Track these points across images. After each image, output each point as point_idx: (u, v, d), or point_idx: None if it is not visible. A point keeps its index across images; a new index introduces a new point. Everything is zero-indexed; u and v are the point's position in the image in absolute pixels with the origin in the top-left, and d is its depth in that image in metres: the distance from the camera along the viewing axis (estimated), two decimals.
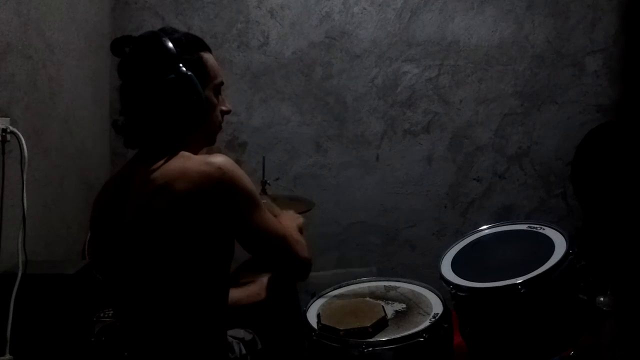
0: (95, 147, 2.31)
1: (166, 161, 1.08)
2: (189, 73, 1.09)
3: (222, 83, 1.21)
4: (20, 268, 1.58)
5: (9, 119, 1.68)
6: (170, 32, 1.14)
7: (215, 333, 1.17)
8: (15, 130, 1.68)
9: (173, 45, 1.11)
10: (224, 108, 1.24)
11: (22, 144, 1.68)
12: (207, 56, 1.17)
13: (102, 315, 1.82)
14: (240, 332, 1.38)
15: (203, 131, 1.18)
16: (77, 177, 2.13)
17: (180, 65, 1.09)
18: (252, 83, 2.56)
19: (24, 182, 1.67)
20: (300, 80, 2.56)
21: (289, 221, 1.33)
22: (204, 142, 1.23)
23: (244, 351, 1.32)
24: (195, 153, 1.17)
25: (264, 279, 1.42)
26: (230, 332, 1.33)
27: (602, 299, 1.70)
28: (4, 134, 1.64)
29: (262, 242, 1.13)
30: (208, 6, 2.53)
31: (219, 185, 1.04)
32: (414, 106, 2.55)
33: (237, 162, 2.69)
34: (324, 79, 2.56)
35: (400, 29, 2.53)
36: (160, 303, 1.10)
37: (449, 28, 2.52)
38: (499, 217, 2.52)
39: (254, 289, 1.39)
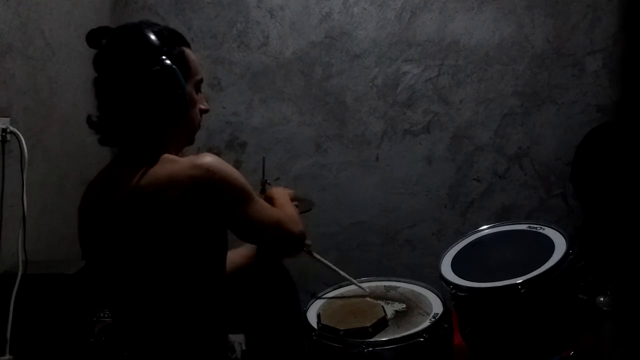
0: (95, 147, 2.30)
1: (152, 166, 1.05)
2: (173, 66, 1.06)
3: (202, 80, 1.19)
4: (20, 268, 1.57)
5: (9, 119, 1.68)
6: (150, 25, 1.11)
7: (214, 332, 1.17)
8: (15, 130, 1.67)
9: (155, 37, 1.08)
10: (202, 107, 1.20)
11: (22, 144, 1.68)
12: (188, 51, 1.15)
13: (102, 315, 1.82)
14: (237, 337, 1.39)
15: (182, 129, 1.16)
16: (77, 177, 2.13)
17: (164, 57, 1.06)
18: (252, 83, 2.56)
19: (24, 182, 1.67)
20: (300, 80, 2.56)
21: (278, 191, 1.34)
22: (183, 141, 1.19)
23: (244, 347, 1.32)
24: (176, 153, 1.15)
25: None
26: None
27: (602, 299, 1.70)
28: (4, 134, 1.63)
29: (259, 232, 1.13)
30: (208, 6, 2.53)
31: (210, 187, 1.03)
32: (414, 106, 2.55)
33: (237, 162, 2.71)
34: (324, 79, 2.56)
35: (400, 29, 2.53)
36: (158, 304, 1.09)
37: (449, 28, 2.52)
38: (499, 217, 2.53)
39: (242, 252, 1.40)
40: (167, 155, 1.09)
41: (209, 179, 1.03)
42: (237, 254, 1.38)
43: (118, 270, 1.10)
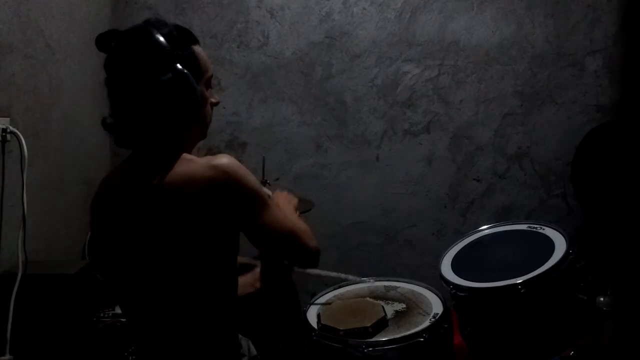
0: (95, 147, 2.31)
1: (171, 165, 1.06)
2: (186, 71, 1.06)
3: (212, 76, 1.19)
4: (20, 268, 1.58)
5: (9, 119, 1.68)
6: (158, 26, 1.09)
7: (225, 330, 1.17)
8: (15, 130, 1.68)
9: (165, 40, 1.07)
10: (213, 100, 1.21)
11: (22, 144, 1.68)
12: (198, 49, 1.14)
13: (102, 315, 1.82)
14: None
15: (197, 126, 1.17)
16: (77, 177, 2.13)
17: (176, 63, 1.06)
18: (252, 83, 2.56)
19: (24, 182, 1.67)
20: (300, 80, 2.56)
21: (285, 203, 1.34)
22: (197, 137, 1.21)
23: (253, 350, 1.32)
24: (191, 148, 1.17)
25: (258, 269, 1.42)
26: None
27: (602, 299, 1.70)
28: (4, 134, 1.64)
29: (272, 239, 1.13)
30: (208, 6, 2.54)
31: (226, 189, 1.04)
32: (414, 106, 2.55)
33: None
34: (324, 79, 2.56)
35: (400, 29, 2.53)
36: (169, 302, 1.10)
37: (449, 28, 2.52)
38: (499, 217, 2.52)
39: (248, 280, 1.39)
40: (185, 155, 1.09)
41: (224, 180, 1.04)
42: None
43: (132, 267, 1.11)
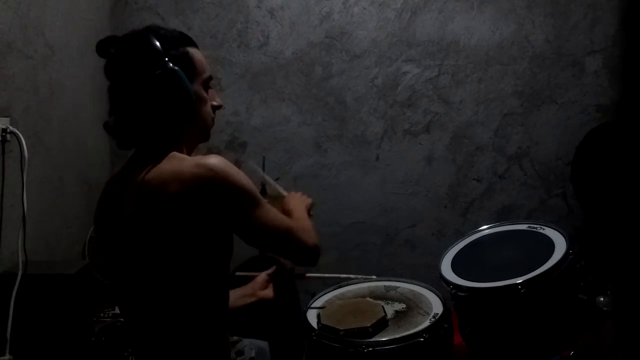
0: (95, 147, 2.31)
1: (160, 162, 1.07)
2: (176, 68, 1.08)
3: (210, 77, 1.21)
4: (20, 268, 1.58)
5: (9, 119, 1.68)
6: (155, 30, 1.13)
7: (215, 332, 1.17)
8: (15, 130, 1.68)
9: (158, 41, 1.10)
10: (214, 103, 1.23)
11: (22, 144, 1.69)
12: (193, 51, 1.16)
13: (102, 315, 1.82)
14: (258, 343, 1.39)
15: (195, 127, 1.17)
16: (77, 177, 2.13)
17: (166, 60, 1.08)
18: (252, 83, 2.56)
19: (24, 182, 1.68)
20: (300, 80, 2.56)
21: (296, 203, 1.34)
22: (197, 138, 1.22)
23: (253, 354, 1.32)
24: (191, 150, 1.18)
25: (259, 279, 1.43)
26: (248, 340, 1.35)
27: (602, 299, 1.70)
28: (4, 134, 1.64)
29: (266, 238, 1.13)
30: (208, 6, 2.54)
31: (213, 186, 1.04)
32: (414, 106, 2.55)
33: (237, 162, 2.71)
34: (324, 79, 2.56)
35: (400, 29, 2.53)
36: (159, 303, 1.10)
37: (449, 28, 2.52)
38: (499, 217, 2.52)
39: (248, 290, 1.41)
40: (174, 153, 1.11)
41: (211, 178, 1.04)
42: (235, 295, 1.35)
43: (125, 267, 1.12)
